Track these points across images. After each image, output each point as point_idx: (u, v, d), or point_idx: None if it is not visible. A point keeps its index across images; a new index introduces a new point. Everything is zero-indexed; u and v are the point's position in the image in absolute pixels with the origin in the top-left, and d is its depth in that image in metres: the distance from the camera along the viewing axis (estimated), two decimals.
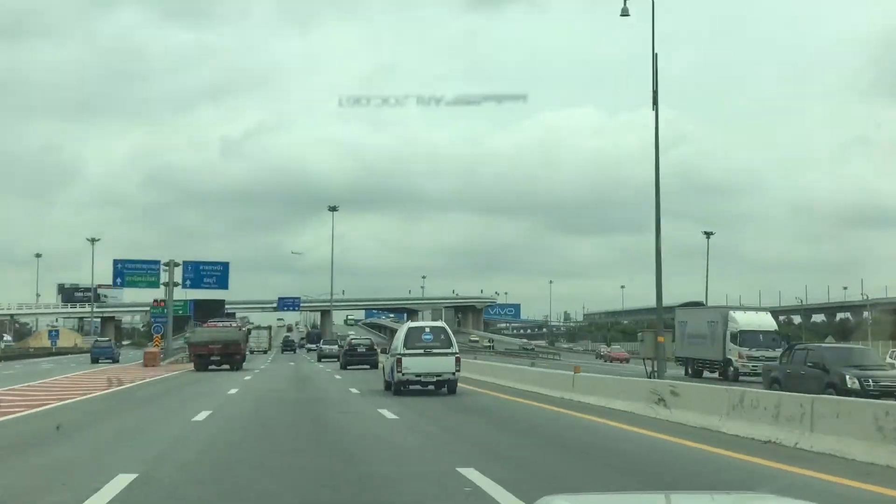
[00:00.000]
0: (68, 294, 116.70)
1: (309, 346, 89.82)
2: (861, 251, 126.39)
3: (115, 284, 50.96)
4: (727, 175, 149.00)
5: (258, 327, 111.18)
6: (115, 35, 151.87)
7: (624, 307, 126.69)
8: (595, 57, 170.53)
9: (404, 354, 18.80)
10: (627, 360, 56.38)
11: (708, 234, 73.10)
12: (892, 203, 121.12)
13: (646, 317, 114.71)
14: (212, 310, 63.36)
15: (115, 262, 48.77)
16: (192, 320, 56.71)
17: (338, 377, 28.53)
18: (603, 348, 74.89)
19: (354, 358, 35.83)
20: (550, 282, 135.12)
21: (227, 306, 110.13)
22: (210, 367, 34.65)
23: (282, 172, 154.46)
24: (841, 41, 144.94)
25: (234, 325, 41.09)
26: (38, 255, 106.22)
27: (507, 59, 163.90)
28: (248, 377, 28.46)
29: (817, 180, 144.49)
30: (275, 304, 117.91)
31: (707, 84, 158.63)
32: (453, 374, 19.02)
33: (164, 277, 47.04)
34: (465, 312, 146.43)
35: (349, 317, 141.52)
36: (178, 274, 47.23)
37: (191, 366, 36.77)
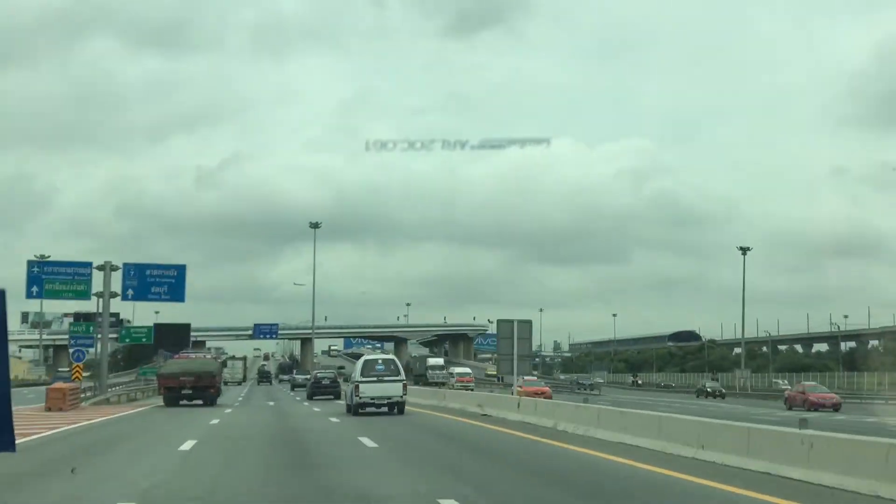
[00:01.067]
0: (35, 323, 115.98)
1: (282, 377, 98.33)
2: (840, 280, 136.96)
3: (29, 295, 38.37)
4: (705, 205, 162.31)
5: (233, 357, 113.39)
6: (88, 64, 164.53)
7: (616, 336, 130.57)
8: (573, 87, 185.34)
9: (361, 382, 25.20)
10: (838, 407, 40.47)
11: (744, 251, 71.63)
12: (869, 233, 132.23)
13: (645, 346, 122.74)
14: (176, 337, 63.64)
15: (30, 263, 39.19)
16: (161, 350, 55.69)
17: (316, 408, 33.42)
18: (782, 383, 65.75)
19: (319, 390, 43.62)
20: (541, 310, 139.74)
21: (197, 334, 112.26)
22: (181, 403, 34.55)
23: (257, 202, 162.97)
24: (817, 73, 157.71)
25: (209, 355, 40.71)
26: None
27: (483, 89, 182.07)
28: (214, 421, 24.10)
29: (794, 210, 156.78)
30: (250, 332, 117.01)
31: (685, 115, 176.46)
32: (401, 397, 25.48)
33: (98, 285, 38.72)
34: (455, 341, 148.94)
35: (332, 347, 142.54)
36: (117, 281, 38.71)
37: (147, 403, 36.84)
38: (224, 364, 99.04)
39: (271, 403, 39.48)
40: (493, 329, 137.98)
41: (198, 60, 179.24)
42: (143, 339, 65.11)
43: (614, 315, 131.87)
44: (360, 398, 25.52)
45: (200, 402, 34.71)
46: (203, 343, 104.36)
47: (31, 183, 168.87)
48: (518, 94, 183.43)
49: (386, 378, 25.75)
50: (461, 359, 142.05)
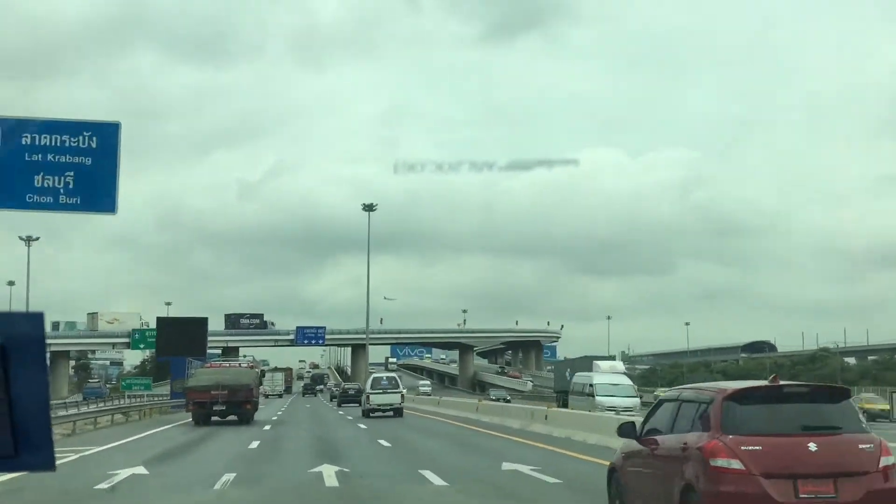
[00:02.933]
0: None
1: (317, 388, 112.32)
2: (887, 292, 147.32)
3: None
4: (749, 216, 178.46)
5: (274, 369, 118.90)
6: (129, 75, 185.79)
7: (689, 347, 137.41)
8: (614, 96, 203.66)
9: (371, 393, 42.08)
10: None
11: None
12: None
13: (715, 358, 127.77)
14: (187, 337, 56.53)
15: None
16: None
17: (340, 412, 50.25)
18: None
19: (346, 398, 62.73)
20: (609, 317, 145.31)
21: (230, 339, 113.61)
22: (213, 419, 34.96)
23: (297, 215, 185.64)
24: (862, 80, 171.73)
25: (245, 364, 41.72)
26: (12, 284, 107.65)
27: (522, 97, 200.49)
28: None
29: (841, 221, 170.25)
30: (292, 338, 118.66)
31: (729, 124, 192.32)
32: (400, 404, 41.95)
33: None
34: (526, 349, 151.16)
35: (390, 360, 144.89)
36: None
37: (167, 420, 37.70)
38: (263, 374, 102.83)
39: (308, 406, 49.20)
40: (578, 333, 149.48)
41: (237, 72, 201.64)
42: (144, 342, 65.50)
43: (687, 324, 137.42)
44: (370, 404, 41.76)
45: (234, 418, 35.04)
46: (236, 350, 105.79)
47: None
48: (559, 104, 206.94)
49: (389, 391, 42.20)
50: (533, 370, 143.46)
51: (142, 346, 64.55)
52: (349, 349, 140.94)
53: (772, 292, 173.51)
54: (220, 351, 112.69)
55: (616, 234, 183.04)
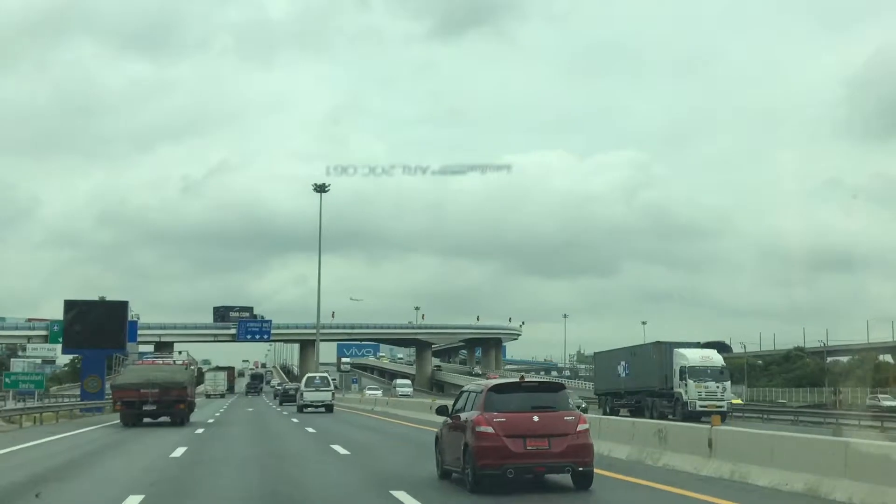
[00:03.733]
0: None
1: (259, 386, 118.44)
2: (833, 293, 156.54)
3: None
4: (696, 218, 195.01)
5: (216, 368, 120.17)
6: (71, 68, 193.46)
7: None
8: (563, 97, 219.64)
9: (305, 391, 50.79)
10: None
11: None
12: (860, 247, 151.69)
13: None
14: (104, 325, 50.51)
15: None
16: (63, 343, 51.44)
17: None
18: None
19: (287, 398, 68.89)
20: (565, 316, 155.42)
21: (162, 333, 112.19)
22: (143, 421, 34.75)
23: (244, 212, 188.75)
24: (809, 84, 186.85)
25: (179, 361, 40.79)
26: None
27: (472, 96, 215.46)
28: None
29: (787, 224, 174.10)
30: (233, 332, 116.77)
31: (677, 127, 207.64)
32: (330, 401, 50.08)
33: None
34: (486, 348, 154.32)
35: (343, 360, 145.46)
36: None
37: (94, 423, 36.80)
38: (201, 372, 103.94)
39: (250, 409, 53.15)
40: (528, 334, 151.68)
41: (183, 66, 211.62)
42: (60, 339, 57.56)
43: (644, 323, 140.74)
44: (304, 401, 50.62)
45: (167, 419, 34.96)
46: (171, 346, 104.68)
47: (11, 192, 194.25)
48: (508, 103, 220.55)
49: (321, 388, 50.98)
50: (493, 369, 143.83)
51: (61, 339, 57.20)
52: (297, 347, 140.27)
53: (719, 294, 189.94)
54: (152, 347, 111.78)
55: (565, 236, 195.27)
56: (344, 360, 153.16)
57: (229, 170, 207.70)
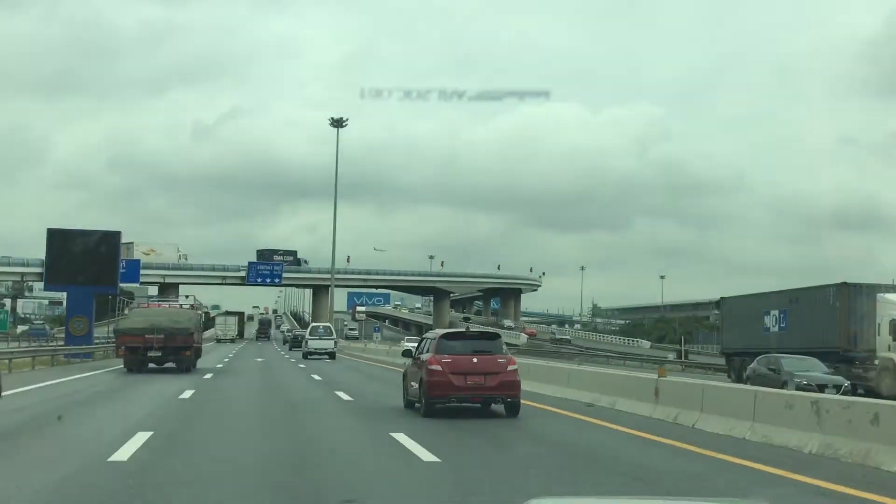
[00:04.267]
0: None
1: (260, 336, 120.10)
2: (845, 253, 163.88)
3: None
4: (710, 174, 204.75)
5: (226, 313, 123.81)
6: (81, 8, 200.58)
7: (663, 302, 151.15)
8: (579, 48, 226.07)
9: (309, 339, 57.90)
10: None
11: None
12: (877, 205, 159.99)
13: (689, 314, 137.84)
14: (89, 258, 47.17)
15: None
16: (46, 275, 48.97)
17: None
18: None
19: (295, 344, 76.37)
20: (582, 268, 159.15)
21: (166, 274, 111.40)
22: (149, 367, 35.13)
23: (255, 159, 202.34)
24: (827, 40, 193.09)
25: (185, 304, 41.26)
26: None
27: (488, 46, 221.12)
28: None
29: (800, 180, 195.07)
30: (242, 275, 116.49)
31: (693, 83, 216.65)
32: (333, 349, 56.82)
33: None
34: (506, 298, 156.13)
35: (358, 308, 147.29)
36: None
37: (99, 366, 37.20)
38: (208, 317, 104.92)
39: (259, 359, 55.24)
40: (548, 284, 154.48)
41: (195, 9, 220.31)
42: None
43: (662, 277, 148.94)
44: (308, 347, 56.86)
45: (173, 365, 35.28)
46: (176, 288, 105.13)
47: (23, 134, 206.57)
48: (524, 54, 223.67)
49: (324, 337, 57.33)
50: (513, 320, 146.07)
51: None
52: (309, 293, 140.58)
53: (731, 250, 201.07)
54: (156, 289, 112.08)
55: (578, 189, 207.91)
56: (359, 308, 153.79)
57: (241, 115, 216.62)
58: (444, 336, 19.29)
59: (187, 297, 46.98)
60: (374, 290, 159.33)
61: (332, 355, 55.52)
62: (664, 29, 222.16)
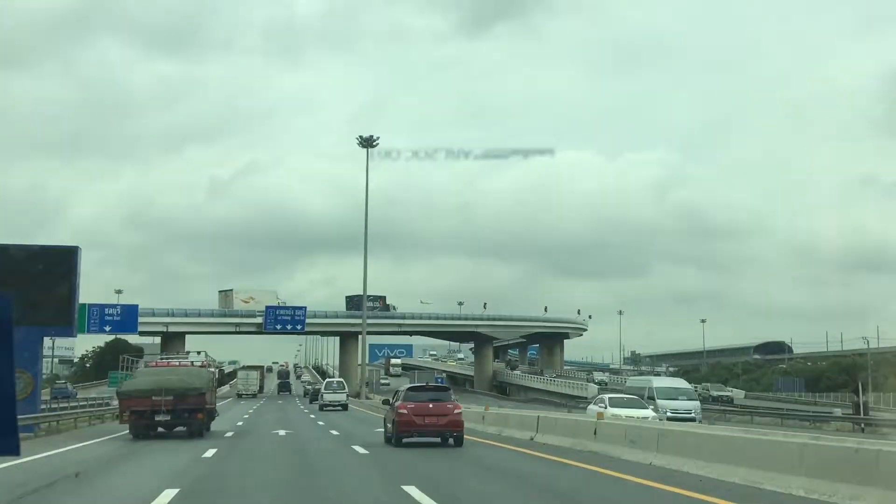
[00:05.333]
0: None
1: (282, 390, 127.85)
2: (868, 295, 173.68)
3: None
4: (729, 219, 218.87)
5: (246, 367, 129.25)
6: (97, 68, 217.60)
7: (706, 347, 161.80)
8: (592, 96, 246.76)
9: (324, 392, 74.35)
10: None
11: None
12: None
13: (727, 359, 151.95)
14: (37, 286, 35.81)
15: None
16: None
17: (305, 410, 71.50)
18: None
19: (315, 396, 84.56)
20: (620, 312, 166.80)
21: (169, 322, 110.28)
22: (157, 431, 35.15)
23: (270, 213, 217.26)
24: (843, 81, 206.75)
25: (197, 361, 42.03)
26: None
27: (500, 95, 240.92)
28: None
29: (821, 223, 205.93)
30: (259, 321, 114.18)
31: (709, 127, 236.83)
32: (345, 401, 71.86)
33: None
34: (549, 343, 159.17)
35: (392, 362, 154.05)
36: None
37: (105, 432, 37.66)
38: (222, 374, 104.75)
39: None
40: (609, 324, 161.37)
41: (211, 65, 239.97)
42: None
43: (703, 321, 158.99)
44: (323, 400, 70.33)
45: (183, 429, 35.26)
46: (181, 337, 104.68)
47: (40, 194, 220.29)
48: (537, 101, 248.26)
49: (338, 391, 71.69)
50: (557, 368, 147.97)
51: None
52: (333, 342, 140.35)
53: (753, 293, 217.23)
54: (158, 339, 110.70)
55: (596, 236, 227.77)
56: (394, 360, 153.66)
57: (256, 170, 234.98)
58: (409, 389, 31.51)
59: (199, 352, 47.56)
60: (395, 342, 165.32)
61: (344, 407, 68.73)
62: (677, 76, 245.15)
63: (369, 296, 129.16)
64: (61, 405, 49.65)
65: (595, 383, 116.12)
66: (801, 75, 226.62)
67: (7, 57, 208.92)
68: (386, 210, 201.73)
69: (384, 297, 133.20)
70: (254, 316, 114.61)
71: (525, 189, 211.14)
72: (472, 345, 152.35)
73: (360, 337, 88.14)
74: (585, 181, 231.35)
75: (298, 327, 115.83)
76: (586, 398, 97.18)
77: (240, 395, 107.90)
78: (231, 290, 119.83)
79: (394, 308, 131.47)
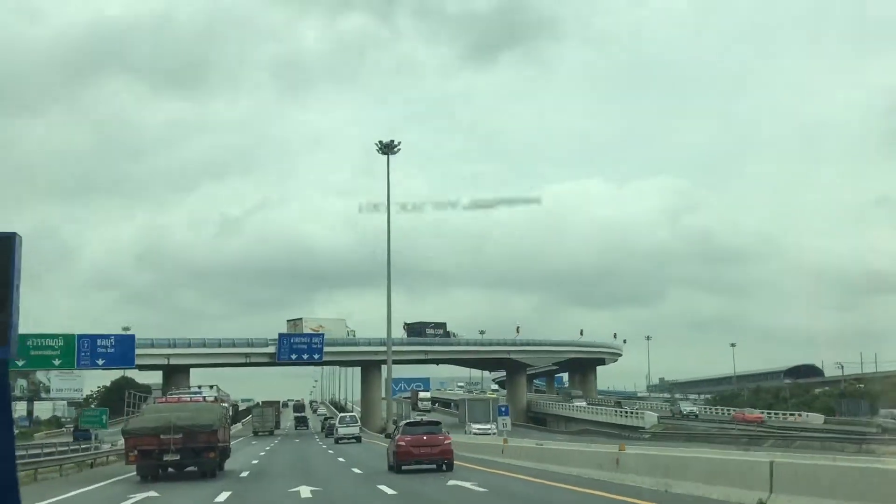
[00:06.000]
0: None
1: (299, 425, 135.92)
2: (886, 317, 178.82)
3: None
4: (742, 243, 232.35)
5: (259, 404, 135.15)
6: (107, 109, 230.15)
7: (736, 372, 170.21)
8: (601, 124, 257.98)
9: (338, 426, 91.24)
10: None
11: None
12: None
13: (757, 383, 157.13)
14: None
15: None
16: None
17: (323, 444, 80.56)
18: None
19: (331, 431, 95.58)
20: (648, 338, 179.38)
21: (170, 354, 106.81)
22: (166, 471, 35.78)
23: (285, 250, 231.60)
24: (853, 99, 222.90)
25: (209, 397, 42.92)
26: None
27: (508, 127, 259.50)
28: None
29: (835, 245, 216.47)
30: (272, 351, 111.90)
31: (717, 150, 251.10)
32: (358, 434, 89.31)
33: None
34: (583, 369, 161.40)
35: (421, 397, 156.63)
36: None
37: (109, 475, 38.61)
38: (236, 411, 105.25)
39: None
40: (627, 352, 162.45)
41: (221, 103, 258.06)
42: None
43: (733, 345, 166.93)
44: (338, 434, 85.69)
45: (194, 469, 35.85)
46: (186, 371, 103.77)
47: (52, 236, 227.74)
48: (545, 131, 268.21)
49: (351, 425, 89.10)
50: (591, 395, 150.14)
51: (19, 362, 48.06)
52: (353, 372, 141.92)
53: (768, 317, 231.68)
54: (160, 373, 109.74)
55: (607, 264, 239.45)
56: (422, 394, 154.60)
57: (268, 207, 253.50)
58: (407, 424, 40.48)
59: (212, 386, 48.80)
60: (413, 375, 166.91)
61: (358, 439, 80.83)
62: (685, 100, 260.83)
63: (430, 322, 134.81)
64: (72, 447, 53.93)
65: (681, 412, 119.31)
66: (807, 97, 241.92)
67: (18, 101, 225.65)
68: (397, 242, 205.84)
69: (445, 324, 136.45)
70: (266, 345, 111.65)
71: (535, 219, 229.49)
72: (496, 374, 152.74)
73: (383, 367, 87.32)
74: (594, 209, 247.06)
75: (316, 356, 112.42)
76: (644, 427, 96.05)
77: (256, 433, 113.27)
78: (300, 318, 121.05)
79: (453, 334, 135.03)
